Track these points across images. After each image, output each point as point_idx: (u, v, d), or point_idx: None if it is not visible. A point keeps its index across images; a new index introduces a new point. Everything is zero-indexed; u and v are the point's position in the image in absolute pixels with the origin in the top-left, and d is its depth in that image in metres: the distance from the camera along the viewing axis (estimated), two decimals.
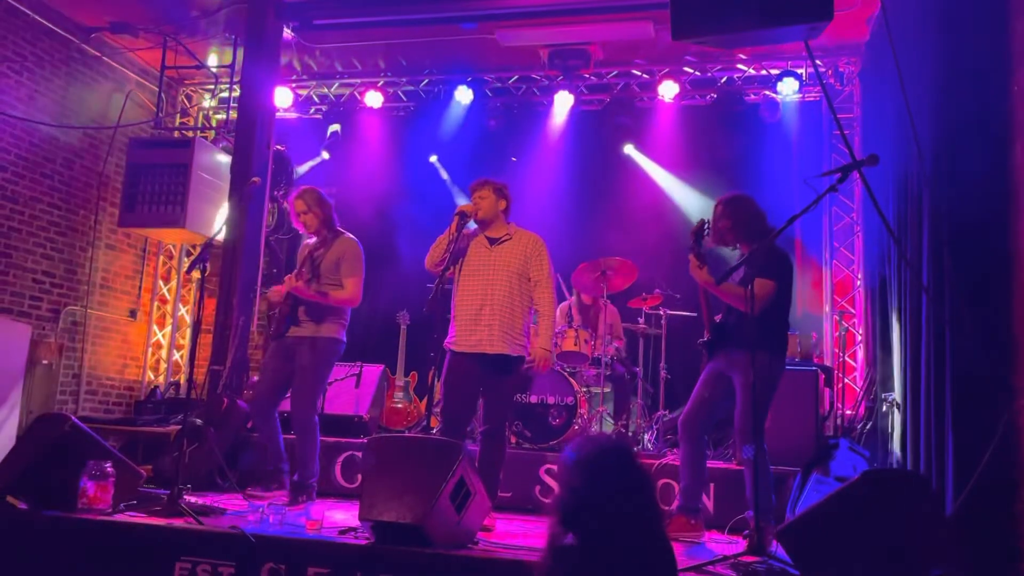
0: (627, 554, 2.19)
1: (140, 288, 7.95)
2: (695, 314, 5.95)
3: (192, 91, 8.42)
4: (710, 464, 5.30)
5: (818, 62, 7.04)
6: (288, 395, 4.81)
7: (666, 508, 4.48)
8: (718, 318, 4.32)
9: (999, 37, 3.68)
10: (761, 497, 3.71)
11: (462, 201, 4.58)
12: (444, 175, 8.17)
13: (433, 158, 8.16)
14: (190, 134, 8.05)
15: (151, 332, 8.06)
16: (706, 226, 4.21)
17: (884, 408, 5.36)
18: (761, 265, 3.88)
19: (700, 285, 4.21)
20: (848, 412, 6.42)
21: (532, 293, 4.45)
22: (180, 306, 8.32)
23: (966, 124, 3.77)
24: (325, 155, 8.21)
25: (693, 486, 4.24)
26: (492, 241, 4.47)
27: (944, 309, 3.69)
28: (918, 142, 3.75)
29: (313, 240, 4.92)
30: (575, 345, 6.11)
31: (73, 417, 4.00)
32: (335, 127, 8.02)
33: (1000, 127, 3.65)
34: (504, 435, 4.54)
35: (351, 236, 4.92)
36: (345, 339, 4.87)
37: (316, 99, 8.29)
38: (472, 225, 4.53)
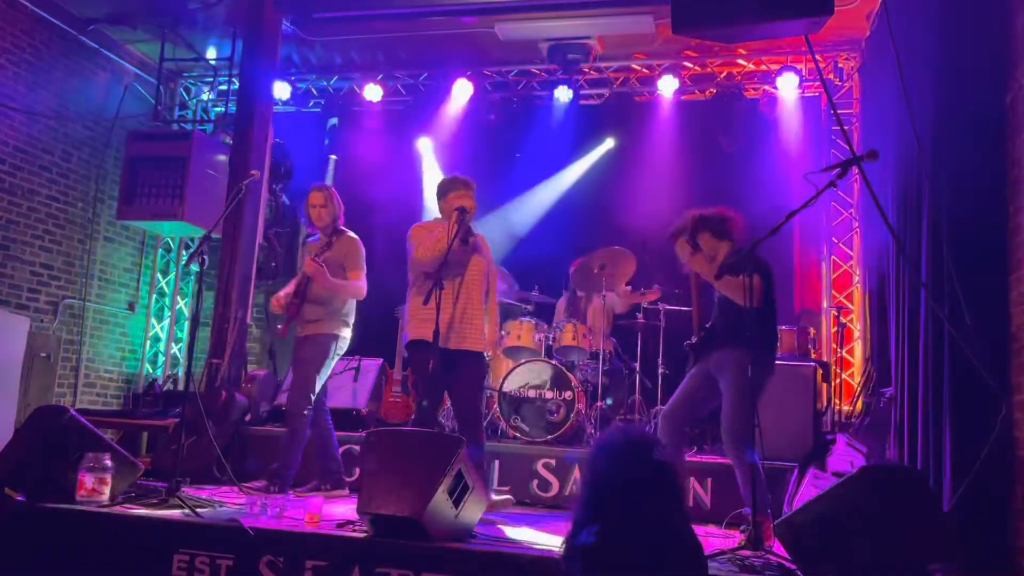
0: (649, 549, 2.16)
1: (138, 281, 7.95)
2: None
3: (191, 84, 8.40)
4: (708, 458, 5.32)
5: (818, 57, 7.03)
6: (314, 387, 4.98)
7: None
8: (708, 324, 4.30)
9: (1000, 33, 3.68)
10: (759, 492, 3.71)
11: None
12: (437, 166, 8.15)
13: (427, 146, 8.13)
14: (189, 127, 8.03)
15: (149, 325, 8.06)
16: (701, 220, 4.20)
17: (882, 404, 5.36)
18: (746, 265, 3.93)
19: (697, 275, 4.19)
20: (846, 408, 6.43)
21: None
22: (178, 299, 8.31)
23: (966, 120, 3.77)
24: (334, 157, 8.19)
25: None
26: (465, 239, 4.53)
27: (943, 305, 3.69)
28: (918, 138, 3.75)
29: (316, 239, 5.06)
30: (574, 340, 6.12)
31: (71, 409, 4.00)
32: (334, 121, 8.02)
33: (1000, 123, 3.65)
34: (481, 424, 4.73)
35: (353, 234, 5.05)
36: (348, 336, 5.00)
37: (315, 92, 8.27)
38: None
